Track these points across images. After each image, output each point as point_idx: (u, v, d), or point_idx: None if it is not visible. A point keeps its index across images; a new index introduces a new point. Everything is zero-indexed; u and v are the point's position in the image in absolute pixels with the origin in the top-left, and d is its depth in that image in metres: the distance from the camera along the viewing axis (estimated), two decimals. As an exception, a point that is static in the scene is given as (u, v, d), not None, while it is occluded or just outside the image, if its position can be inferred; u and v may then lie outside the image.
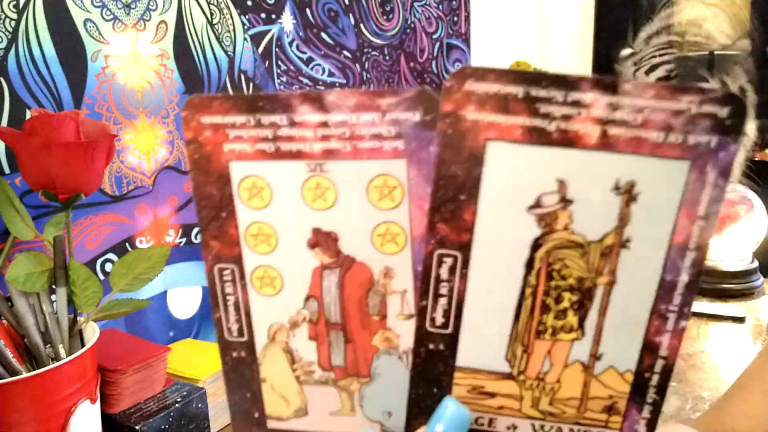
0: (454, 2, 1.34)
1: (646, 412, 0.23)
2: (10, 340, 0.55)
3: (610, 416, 0.23)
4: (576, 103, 0.20)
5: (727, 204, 1.08)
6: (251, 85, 0.92)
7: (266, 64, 0.95)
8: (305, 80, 1.03)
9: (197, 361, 0.76)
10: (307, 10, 1.02)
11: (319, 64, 1.05)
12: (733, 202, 1.10)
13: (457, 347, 0.23)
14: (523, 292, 0.22)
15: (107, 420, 0.63)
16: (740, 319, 0.99)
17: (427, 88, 0.22)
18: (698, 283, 0.22)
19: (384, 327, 0.24)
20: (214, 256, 0.24)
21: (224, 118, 0.23)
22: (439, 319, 0.22)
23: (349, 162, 0.23)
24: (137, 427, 0.62)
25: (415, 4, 1.23)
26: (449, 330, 0.22)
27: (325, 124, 0.22)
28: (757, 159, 1.27)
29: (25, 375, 0.52)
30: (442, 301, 0.22)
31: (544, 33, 1.62)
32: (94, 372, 0.59)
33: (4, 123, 0.63)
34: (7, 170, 0.64)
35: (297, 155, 0.23)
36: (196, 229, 0.87)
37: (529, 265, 0.22)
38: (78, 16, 0.69)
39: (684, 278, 0.22)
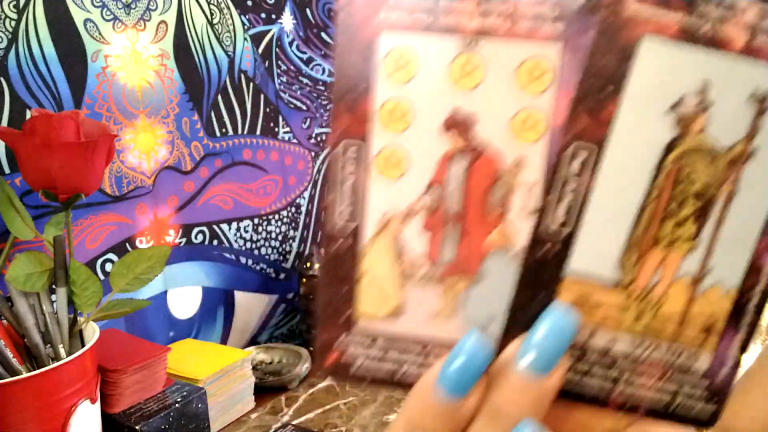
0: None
1: (742, 333, 0.23)
2: (10, 340, 0.55)
3: (707, 336, 0.23)
4: (731, 7, 0.21)
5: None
6: (251, 85, 0.92)
7: (266, 64, 0.95)
8: (305, 80, 1.03)
9: (197, 361, 0.76)
10: (307, 10, 1.01)
11: (319, 64, 1.05)
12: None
13: (573, 249, 0.22)
14: (648, 195, 0.22)
15: (107, 420, 0.63)
16: (740, 319, 0.99)
17: None
18: None
19: (504, 222, 0.23)
20: (343, 131, 0.23)
21: None
22: (561, 217, 0.22)
23: (504, 41, 0.22)
24: (137, 427, 0.62)
25: (415, 4, 1.23)
26: (568, 229, 0.22)
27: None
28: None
29: (25, 375, 0.52)
30: (568, 197, 0.22)
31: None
32: (94, 372, 0.59)
33: (4, 123, 0.63)
34: (7, 170, 0.64)
35: (452, 29, 0.22)
36: (196, 229, 0.87)
37: (659, 167, 0.22)
38: (78, 16, 0.69)
39: None
